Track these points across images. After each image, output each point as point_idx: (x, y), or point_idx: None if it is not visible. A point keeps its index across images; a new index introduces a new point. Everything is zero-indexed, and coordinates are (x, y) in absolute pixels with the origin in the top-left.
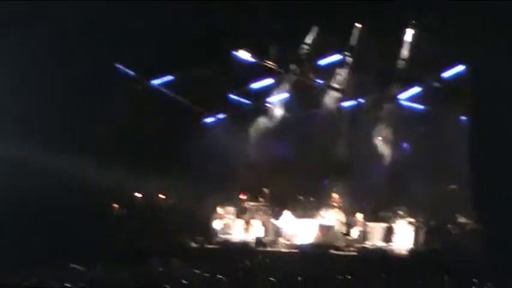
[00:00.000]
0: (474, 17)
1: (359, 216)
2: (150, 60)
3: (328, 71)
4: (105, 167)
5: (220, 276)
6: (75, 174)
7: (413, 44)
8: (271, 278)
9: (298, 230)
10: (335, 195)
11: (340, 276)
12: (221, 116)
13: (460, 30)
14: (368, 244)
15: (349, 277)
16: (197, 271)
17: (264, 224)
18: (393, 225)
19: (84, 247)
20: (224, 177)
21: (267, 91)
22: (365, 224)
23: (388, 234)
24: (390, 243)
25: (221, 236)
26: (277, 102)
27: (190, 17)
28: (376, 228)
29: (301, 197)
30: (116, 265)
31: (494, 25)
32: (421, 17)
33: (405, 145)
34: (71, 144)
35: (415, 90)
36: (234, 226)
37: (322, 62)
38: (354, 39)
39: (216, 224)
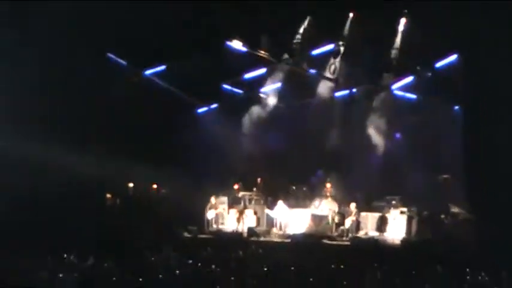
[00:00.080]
0: (466, 6)
1: (352, 206)
2: (142, 50)
3: (321, 61)
4: (97, 157)
5: (213, 266)
6: (68, 165)
7: (406, 34)
8: (264, 268)
9: (291, 220)
10: (328, 185)
11: (333, 266)
12: (214, 105)
13: (452, 19)
14: (361, 234)
15: (342, 267)
16: (190, 261)
17: (257, 214)
18: (386, 215)
19: (77, 237)
20: (217, 167)
21: (259, 81)
22: (358, 213)
23: (381, 224)
24: (383, 233)
25: (214, 226)
26: (270, 92)
27: (183, 7)
28: (369, 218)
29: (294, 187)
30: (108, 255)
31: (485, 15)
32: (413, 6)
33: (398, 135)
34: (64, 135)
35: (408, 79)
36: (227, 216)
37: (315, 52)
38: (346, 29)
39: (209, 214)
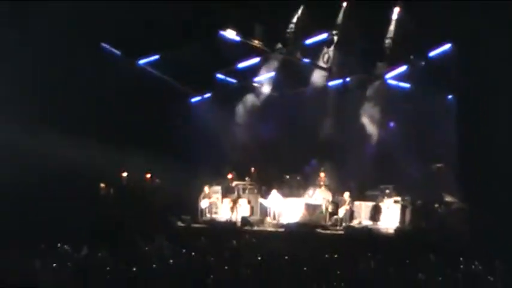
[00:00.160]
0: None
1: (346, 195)
2: (136, 40)
3: (315, 50)
4: (91, 147)
5: (207, 256)
6: (62, 154)
7: (399, 23)
8: (257, 257)
9: (284, 209)
10: (322, 175)
11: (326, 255)
12: (208, 95)
13: (446, 9)
14: (355, 223)
15: (336, 256)
16: (184, 250)
17: (250, 203)
18: (380, 204)
19: (70, 227)
20: (211, 157)
21: (253, 70)
22: (352, 203)
23: (375, 213)
24: (377, 222)
25: (208, 215)
26: (263, 82)
27: None
28: (363, 207)
29: (287, 177)
30: (102, 245)
31: (479, 4)
32: None
33: (391, 124)
34: (57, 125)
35: (401, 69)
36: (221, 205)
37: (309, 41)
38: (340, 19)
39: (203, 204)
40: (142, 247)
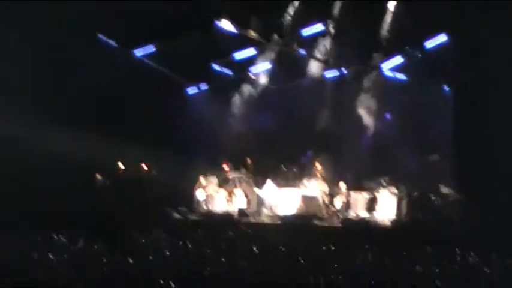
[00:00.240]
0: None
1: (342, 186)
2: (131, 31)
3: (311, 42)
4: (87, 137)
5: (203, 248)
6: (57, 145)
7: (396, 14)
8: (254, 249)
9: (281, 200)
10: (318, 166)
11: (323, 247)
12: (204, 86)
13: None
14: (351, 215)
15: (332, 248)
16: (180, 242)
17: (246, 195)
18: (376, 195)
19: (66, 218)
20: (207, 148)
21: (249, 61)
22: (348, 194)
23: (371, 205)
24: (373, 214)
25: (204, 207)
26: (260, 73)
27: None
28: (359, 199)
29: (283, 168)
30: (98, 236)
31: None
32: None
33: (388, 115)
34: (53, 115)
35: (398, 60)
36: (217, 197)
37: (305, 32)
38: (336, 9)
39: (199, 195)
40: (139, 239)
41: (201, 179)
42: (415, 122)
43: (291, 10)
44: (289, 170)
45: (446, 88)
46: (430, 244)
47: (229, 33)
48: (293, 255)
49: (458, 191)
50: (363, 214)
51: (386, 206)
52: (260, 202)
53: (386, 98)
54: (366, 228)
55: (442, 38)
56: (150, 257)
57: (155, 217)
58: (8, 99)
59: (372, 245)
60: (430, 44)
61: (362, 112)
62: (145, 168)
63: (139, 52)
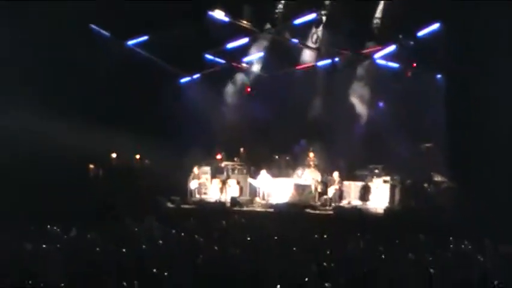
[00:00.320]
0: None
1: (335, 175)
2: (125, 21)
3: (303, 31)
4: (81, 128)
5: (196, 236)
6: (51, 135)
7: (388, 2)
8: (247, 238)
9: (274, 189)
10: (311, 155)
11: (316, 235)
12: (197, 75)
13: None
14: (344, 203)
15: (325, 236)
16: (173, 231)
17: (239, 184)
18: (369, 184)
19: (59, 208)
20: (200, 137)
21: (242, 51)
22: (341, 183)
23: (364, 193)
24: (366, 202)
25: (197, 196)
26: (252, 62)
27: None
28: (352, 187)
29: (277, 157)
30: (92, 225)
31: None
32: None
33: (381, 104)
34: (47, 106)
35: (390, 48)
36: (210, 186)
37: (297, 21)
38: None
39: (192, 184)
40: (132, 228)
41: (195, 168)
42: (408, 110)
43: None
44: (282, 159)
45: (439, 76)
46: (422, 232)
47: (222, 23)
48: (286, 243)
49: (450, 178)
50: (356, 202)
51: (379, 194)
52: (253, 191)
53: (379, 87)
54: (359, 216)
55: (434, 26)
56: (143, 246)
57: (148, 206)
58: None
59: (364, 233)
60: (422, 32)
61: (355, 101)
62: (138, 157)
63: (132, 42)
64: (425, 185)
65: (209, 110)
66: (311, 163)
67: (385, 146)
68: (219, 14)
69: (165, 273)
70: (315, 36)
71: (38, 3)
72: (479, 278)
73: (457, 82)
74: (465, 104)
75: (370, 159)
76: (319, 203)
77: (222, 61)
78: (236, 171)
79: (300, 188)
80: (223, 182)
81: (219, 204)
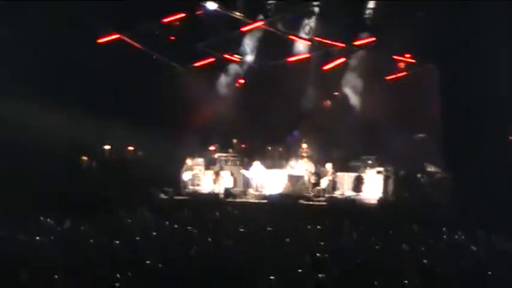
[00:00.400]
0: None
1: (328, 166)
2: (117, 11)
3: (296, 21)
4: (73, 119)
5: (190, 227)
6: (44, 126)
7: None
8: (240, 229)
9: (267, 180)
10: (304, 146)
11: (309, 226)
12: (189, 66)
13: None
14: (337, 194)
15: (318, 227)
16: (166, 222)
17: (233, 175)
18: (362, 174)
19: (53, 199)
20: (193, 129)
21: (235, 42)
22: (334, 173)
23: (358, 184)
24: (359, 193)
25: (190, 187)
26: (245, 53)
27: None
28: (346, 178)
29: (270, 148)
30: (85, 217)
31: None
32: None
33: (374, 94)
34: (39, 96)
35: (383, 39)
36: (203, 177)
37: (289, 12)
38: None
39: (185, 176)
40: (125, 219)
41: (188, 159)
42: (401, 101)
43: None
44: (275, 150)
45: (432, 65)
46: (416, 222)
47: (215, 14)
48: (279, 234)
49: (444, 169)
50: (349, 193)
51: (373, 185)
52: (246, 182)
53: (372, 77)
54: (352, 207)
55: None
56: (137, 237)
57: (141, 197)
58: None
59: (358, 224)
60: (413, 22)
61: (347, 91)
62: (132, 149)
63: (125, 32)
64: (419, 175)
65: (202, 101)
66: (304, 154)
67: (378, 137)
68: (211, 5)
69: (159, 265)
70: (308, 27)
71: None
72: (473, 268)
73: (450, 71)
74: (458, 95)
75: (363, 150)
76: (312, 194)
77: (215, 53)
78: (229, 163)
79: (294, 179)
80: (217, 174)
81: (213, 196)
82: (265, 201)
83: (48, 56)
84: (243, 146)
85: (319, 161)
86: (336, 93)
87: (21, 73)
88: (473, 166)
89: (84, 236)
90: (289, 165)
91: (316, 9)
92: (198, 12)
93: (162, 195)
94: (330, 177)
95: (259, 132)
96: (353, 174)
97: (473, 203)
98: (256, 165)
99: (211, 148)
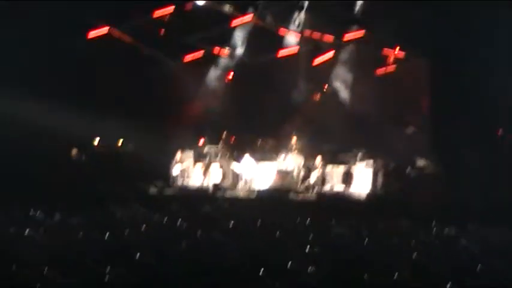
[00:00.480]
0: None
1: (318, 159)
2: (108, 6)
3: (286, 15)
4: (64, 112)
5: (179, 221)
6: (34, 120)
7: None
8: (230, 223)
9: (256, 174)
10: (294, 139)
11: (298, 220)
12: (179, 61)
13: None
14: (327, 188)
15: (308, 221)
16: (156, 216)
17: (222, 169)
18: (352, 168)
19: (43, 193)
20: (183, 122)
21: (225, 36)
22: (324, 167)
23: (347, 178)
24: (349, 187)
25: (180, 180)
26: (235, 47)
27: None
28: (335, 172)
29: (260, 141)
30: (75, 211)
31: None
32: None
33: (364, 88)
34: (29, 89)
35: (373, 32)
36: (193, 171)
37: (280, 6)
38: None
39: (176, 169)
40: (115, 213)
41: (178, 152)
42: (392, 94)
43: None
44: (265, 143)
45: (422, 59)
46: (405, 216)
47: (205, 8)
48: (269, 228)
49: (434, 163)
50: (339, 187)
51: (362, 179)
52: (236, 176)
53: (362, 71)
54: (341, 201)
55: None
56: (126, 231)
57: (131, 191)
58: None
59: (347, 217)
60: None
61: (338, 85)
62: (121, 142)
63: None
64: (409, 169)
65: (192, 94)
66: (294, 147)
67: (368, 131)
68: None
69: (149, 259)
70: (297, 21)
71: None
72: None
73: (441, 65)
74: (449, 87)
75: (353, 144)
76: (302, 188)
77: (205, 47)
78: (219, 156)
79: (283, 173)
80: (206, 167)
81: (202, 190)
82: (254, 195)
83: (38, 49)
84: (233, 139)
85: (308, 155)
86: (326, 87)
87: (12, 65)
88: (464, 160)
89: (73, 230)
90: (278, 159)
91: (306, 3)
92: (187, 6)
93: (152, 189)
94: (320, 171)
95: (249, 125)
96: (342, 168)
97: (463, 196)
98: (247, 158)
99: (201, 141)
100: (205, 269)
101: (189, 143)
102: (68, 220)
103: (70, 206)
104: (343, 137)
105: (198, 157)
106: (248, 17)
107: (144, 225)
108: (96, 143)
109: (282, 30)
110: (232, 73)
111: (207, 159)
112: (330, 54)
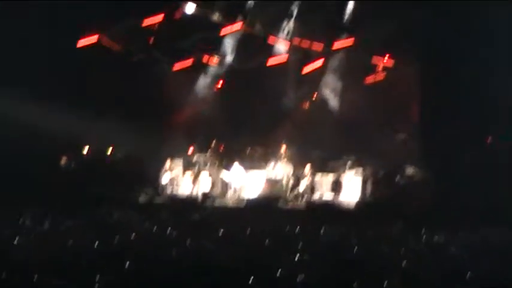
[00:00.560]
0: None
1: (307, 168)
2: (98, 10)
3: (275, 22)
4: (56, 118)
5: (169, 230)
6: (26, 123)
7: None
8: (219, 231)
9: (246, 183)
10: (283, 147)
11: (287, 229)
12: (169, 69)
13: None
14: (316, 196)
15: (298, 229)
16: (145, 224)
17: (212, 177)
18: (341, 176)
19: (34, 198)
20: (173, 130)
21: (214, 43)
22: (313, 176)
23: (336, 186)
24: (339, 194)
25: (170, 189)
26: (224, 54)
27: None
28: (325, 180)
29: (249, 150)
30: (65, 216)
31: None
32: None
33: (354, 95)
34: (20, 92)
35: (362, 39)
36: (183, 179)
37: (269, 13)
38: None
39: (165, 178)
40: (105, 220)
41: (167, 161)
42: (382, 101)
43: None
44: (254, 151)
45: (413, 65)
46: (395, 224)
47: (194, 14)
48: (258, 236)
49: (424, 170)
50: (328, 195)
51: (352, 187)
52: (225, 184)
53: (352, 77)
54: (331, 209)
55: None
56: (116, 239)
57: (121, 198)
58: None
59: (337, 225)
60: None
61: (327, 92)
62: (111, 149)
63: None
64: (398, 176)
65: (182, 101)
66: (283, 156)
67: (357, 138)
68: (190, 7)
69: (138, 267)
70: (287, 28)
71: None
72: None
73: (432, 71)
74: (439, 94)
75: (342, 151)
76: (291, 196)
77: (194, 54)
78: (208, 164)
79: (272, 181)
80: (196, 175)
81: (192, 198)
82: (244, 203)
83: (29, 53)
84: (222, 147)
85: (298, 163)
86: (316, 95)
87: (4, 68)
88: (454, 167)
89: (63, 236)
90: (267, 167)
91: (295, 11)
92: (176, 15)
93: (142, 197)
94: (309, 179)
95: (238, 133)
96: (332, 176)
97: (453, 204)
98: (236, 166)
99: (190, 149)
100: (194, 278)
101: (178, 152)
102: (57, 226)
103: (60, 211)
104: (333, 145)
105: (188, 165)
106: (237, 25)
107: (134, 234)
108: (85, 149)
109: (271, 38)
110: (221, 81)
111: (196, 167)
112: (319, 62)
